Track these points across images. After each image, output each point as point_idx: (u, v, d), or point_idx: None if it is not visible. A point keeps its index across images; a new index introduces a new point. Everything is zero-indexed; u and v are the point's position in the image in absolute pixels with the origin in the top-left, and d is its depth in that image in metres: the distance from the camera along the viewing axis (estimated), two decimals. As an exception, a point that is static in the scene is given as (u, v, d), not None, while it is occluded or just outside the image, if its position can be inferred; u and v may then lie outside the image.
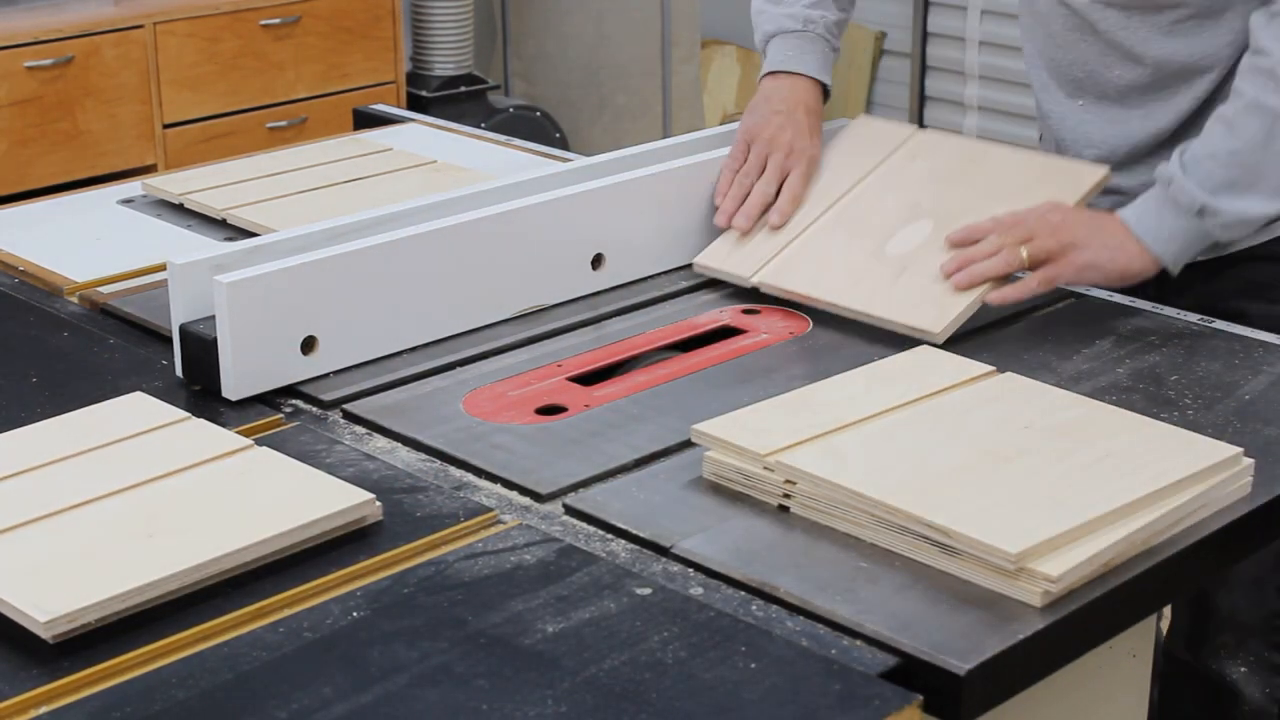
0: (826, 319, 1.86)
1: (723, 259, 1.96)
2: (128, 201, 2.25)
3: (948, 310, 1.78)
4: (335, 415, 1.66)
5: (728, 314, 1.90)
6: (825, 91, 2.07)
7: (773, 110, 2.02)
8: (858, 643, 1.27)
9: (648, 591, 1.33)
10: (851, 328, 1.83)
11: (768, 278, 1.91)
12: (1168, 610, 2.17)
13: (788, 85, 2.04)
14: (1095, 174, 1.90)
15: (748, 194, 1.97)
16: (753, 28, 2.14)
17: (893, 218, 1.93)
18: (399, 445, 1.60)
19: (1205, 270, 1.91)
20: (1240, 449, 1.48)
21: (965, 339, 1.81)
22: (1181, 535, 1.41)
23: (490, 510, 1.46)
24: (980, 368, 1.63)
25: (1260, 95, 1.74)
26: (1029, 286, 1.79)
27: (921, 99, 5.06)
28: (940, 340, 1.76)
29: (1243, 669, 1.97)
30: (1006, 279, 1.80)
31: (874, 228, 1.93)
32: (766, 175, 1.97)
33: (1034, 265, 1.80)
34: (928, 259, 1.85)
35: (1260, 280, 1.89)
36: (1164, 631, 2.11)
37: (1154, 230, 1.79)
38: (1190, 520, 1.42)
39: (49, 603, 1.25)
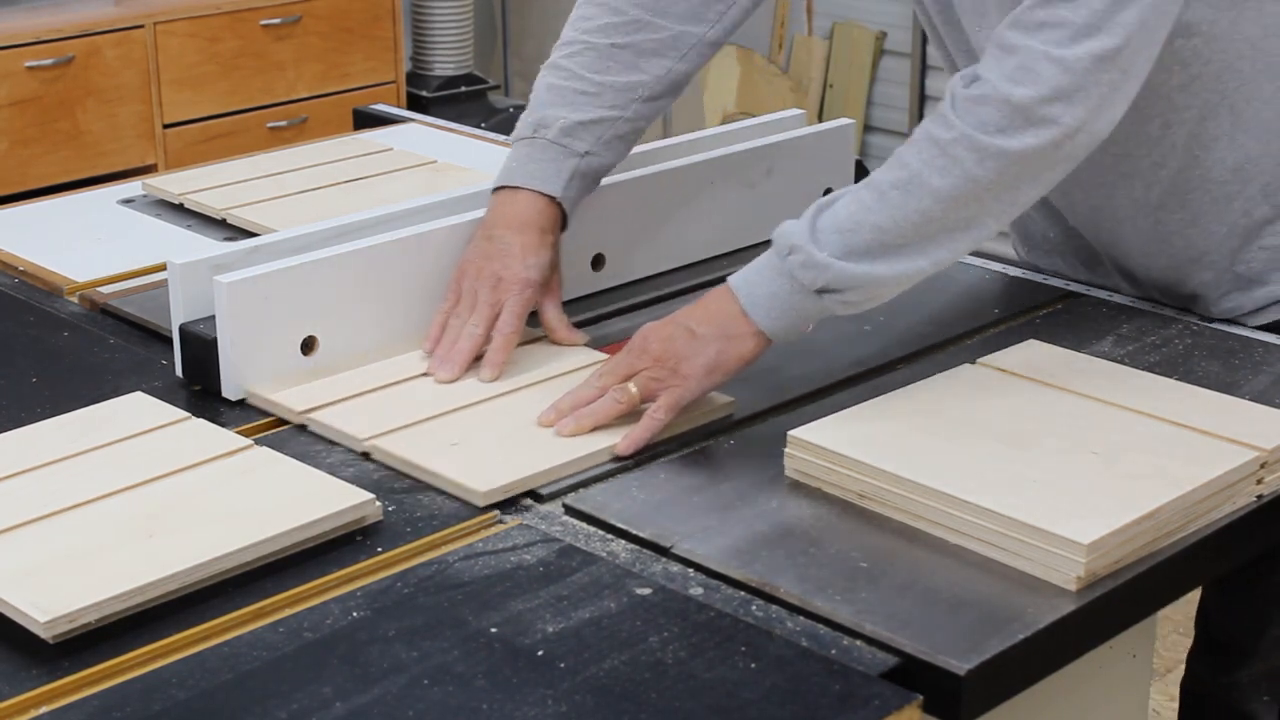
0: (827, 319, 1.85)
1: (274, 391, 1.65)
2: (128, 201, 2.25)
3: (504, 474, 1.49)
4: (335, 415, 1.66)
5: (728, 314, 1.90)
6: (559, 206, 1.76)
7: (481, 237, 1.75)
8: (858, 643, 1.27)
9: (648, 591, 1.33)
10: (852, 327, 1.82)
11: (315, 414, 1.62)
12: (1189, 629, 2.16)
13: (500, 202, 1.77)
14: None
15: (457, 338, 1.70)
16: None
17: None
18: (399, 445, 1.59)
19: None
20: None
21: (966, 344, 1.81)
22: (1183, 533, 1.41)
23: (490, 510, 1.46)
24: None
25: (923, 170, 1.53)
26: (657, 419, 1.55)
27: (921, 99, 5.05)
28: (482, 503, 1.45)
29: (1265, 698, 1.97)
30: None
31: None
32: (475, 315, 1.70)
33: (649, 397, 1.57)
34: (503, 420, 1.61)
35: None
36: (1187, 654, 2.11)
37: (764, 304, 1.58)
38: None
39: (49, 603, 1.25)
